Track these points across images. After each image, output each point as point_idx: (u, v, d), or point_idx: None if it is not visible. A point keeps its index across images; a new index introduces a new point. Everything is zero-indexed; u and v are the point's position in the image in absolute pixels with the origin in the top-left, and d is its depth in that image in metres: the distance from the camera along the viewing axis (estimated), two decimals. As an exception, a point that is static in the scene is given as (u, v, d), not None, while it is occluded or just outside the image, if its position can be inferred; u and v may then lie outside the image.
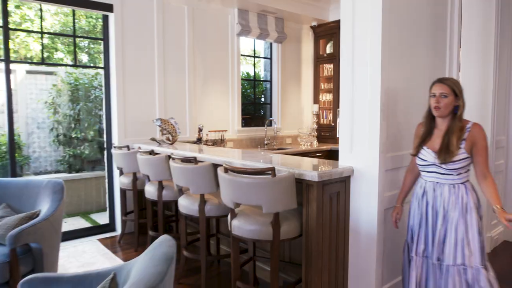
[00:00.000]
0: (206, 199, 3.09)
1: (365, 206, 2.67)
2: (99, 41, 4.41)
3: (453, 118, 2.31)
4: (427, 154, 2.36)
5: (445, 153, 2.26)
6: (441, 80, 2.33)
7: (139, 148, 4.14)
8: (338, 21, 6.05)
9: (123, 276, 1.81)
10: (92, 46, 5.85)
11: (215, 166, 2.99)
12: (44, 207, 3.15)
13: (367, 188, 2.65)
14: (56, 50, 5.84)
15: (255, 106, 6.24)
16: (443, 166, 2.28)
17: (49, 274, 1.99)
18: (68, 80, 5.66)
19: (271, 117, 6.16)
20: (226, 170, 2.59)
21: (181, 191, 3.31)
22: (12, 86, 5.90)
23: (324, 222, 2.57)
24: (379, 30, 2.54)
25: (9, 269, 2.66)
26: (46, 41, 5.95)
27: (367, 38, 2.62)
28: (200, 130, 4.95)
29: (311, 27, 6.41)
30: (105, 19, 4.53)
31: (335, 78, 6.15)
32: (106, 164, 4.72)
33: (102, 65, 4.61)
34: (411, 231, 2.50)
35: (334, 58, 6.16)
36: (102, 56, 4.67)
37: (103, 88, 4.59)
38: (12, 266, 2.67)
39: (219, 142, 5.22)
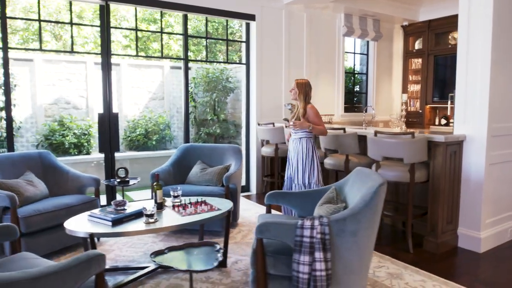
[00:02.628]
0: (349, 158, 4.29)
1: (474, 162, 3.73)
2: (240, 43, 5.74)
3: None
4: None
5: None
6: None
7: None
8: (427, 21, 7.02)
9: (338, 190, 3.03)
10: (221, 47, 7.22)
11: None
12: (231, 162, 4.51)
13: (477, 149, 3.70)
14: (190, 50, 7.32)
15: (353, 95, 7.36)
16: None
17: (283, 191, 3.28)
18: (204, 74, 7.12)
19: (366, 105, 7.25)
20: (376, 134, 3.77)
21: (325, 154, 4.55)
22: (161, 78, 7.50)
23: (446, 171, 3.67)
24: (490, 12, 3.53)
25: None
26: (180, 42, 7.48)
27: (479, 26, 3.62)
28: (316, 113, 6.16)
29: (402, 26, 7.39)
30: (247, 26, 5.86)
31: (423, 71, 7.12)
32: (244, 138, 6.08)
33: (244, 61, 5.95)
34: None
35: (423, 53, 7.12)
36: (243, 54, 6.01)
37: (245, 80, 5.93)
38: (226, 197, 4.04)
39: (328, 123, 6.40)
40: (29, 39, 7.36)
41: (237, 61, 7.60)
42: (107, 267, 2.85)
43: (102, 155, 6.35)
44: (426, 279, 3.11)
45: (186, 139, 5.53)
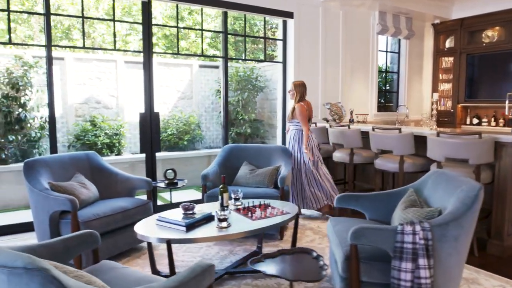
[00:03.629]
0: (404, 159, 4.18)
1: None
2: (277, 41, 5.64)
3: None
4: None
5: None
6: None
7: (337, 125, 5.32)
8: (459, 19, 6.92)
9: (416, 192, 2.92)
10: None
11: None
12: (280, 163, 4.38)
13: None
14: (217, 48, 7.23)
15: (384, 94, 7.26)
16: None
17: (355, 193, 3.16)
18: (235, 72, 6.99)
19: (397, 104, 7.15)
20: (438, 134, 3.66)
21: (376, 155, 4.44)
22: (189, 77, 7.38)
23: (512, 172, 3.57)
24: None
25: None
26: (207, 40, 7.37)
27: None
28: (352, 112, 6.05)
29: (432, 24, 7.28)
30: (284, 24, 5.74)
31: (455, 69, 7.02)
32: (279, 139, 5.95)
33: (280, 60, 5.83)
34: None
35: (455, 52, 7.02)
36: (279, 53, 5.89)
37: (281, 79, 5.81)
38: (281, 199, 3.91)
39: (363, 123, 6.29)
40: (57, 38, 7.21)
41: (267, 60, 7.51)
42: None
43: (134, 156, 6.28)
44: (504, 284, 3.01)
45: (225, 140, 5.41)
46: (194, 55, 8.33)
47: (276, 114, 7.32)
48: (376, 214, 3.02)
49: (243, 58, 6.11)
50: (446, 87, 7.29)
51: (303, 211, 4.73)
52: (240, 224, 2.88)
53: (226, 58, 5.24)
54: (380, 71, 7.24)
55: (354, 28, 6.29)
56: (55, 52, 6.28)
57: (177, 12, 5.02)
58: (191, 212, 2.96)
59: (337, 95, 6.16)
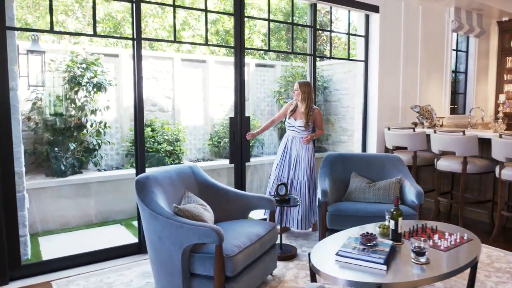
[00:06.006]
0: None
1: None
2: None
3: None
4: None
5: None
6: None
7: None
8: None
9: None
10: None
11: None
12: (400, 175, 3.84)
13: None
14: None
15: (453, 96, 6.84)
16: None
17: None
18: (295, 72, 6.41)
19: (464, 106, 6.74)
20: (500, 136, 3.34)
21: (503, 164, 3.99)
22: (245, 77, 6.77)
23: None
24: None
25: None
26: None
27: None
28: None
29: (497, 22, 6.90)
30: (367, 18, 5.22)
31: (522, 70, 6.65)
32: (359, 145, 5.43)
33: (361, 58, 5.30)
34: None
35: (524, 51, 6.65)
36: (358, 50, 5.37)
37: (363, 79, 5.29)
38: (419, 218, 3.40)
39: (439, 127, 5.84)
40: (106, 31, 6.47)
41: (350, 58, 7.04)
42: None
43: (199, 164, 5.58)
44: None
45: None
46: (285, 52, 7.70)
47: (337, 117, 6.79)
48: None
49: (328, 56, 5.50)
50: (511, 88, 6.93)
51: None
52: (437, 259, 2.35)
53: (314, 56, 4.69)
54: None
55: (431, 25, 5.82)
56: (109, 49, 5.61)
57: (269, 4, 4.44)
58: (373, 244, 2.40)
59: (415, 97, 5.68)
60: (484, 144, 4.52)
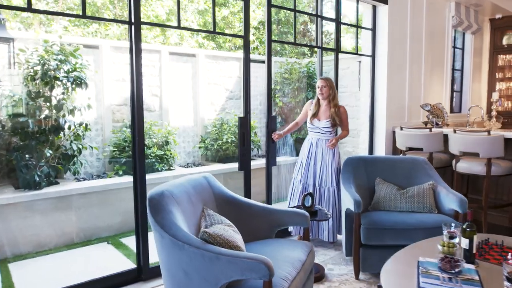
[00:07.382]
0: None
1: None
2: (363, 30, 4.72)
3: None
4: None
5: None
6: None
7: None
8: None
9: None
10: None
11: None
12: (431, 180, 3.47)
13: None
14: (260, 41, 6.13)
15: (451, 94, 6.66)
16: None
17: None
18: (293, 69, 5.92)
19: (460, 104, 6.58)
20: None
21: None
22: (238, 74, 6.21)
23: None
24: None
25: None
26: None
27: None
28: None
29: (490, 19, 6.80)
30: (374, 10, 4.85)
31: (515, 68, 6.59)
32: (366, 145, 5.06)
33: (368, 53, 4.93)
34: None
35: (516, 49, 6.59)
36: (364, 44, 4.99)
37: (370, 75, 4.92)
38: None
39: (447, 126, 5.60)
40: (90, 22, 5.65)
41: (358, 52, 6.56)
42: None
43: (186, 170, 4.95)
44: None
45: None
46: (307, 46, 7.10)
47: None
48: None
49: (356, 51, 5.04)
50: (502, 86, 6.86)
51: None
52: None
53: (337, 51, 4.26)
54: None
55: (434, 20, 5.57)
56: (87, 39, 4.84)
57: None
58: (458, 270, 1.98)
59: (419, 96, 5.40)
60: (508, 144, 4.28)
